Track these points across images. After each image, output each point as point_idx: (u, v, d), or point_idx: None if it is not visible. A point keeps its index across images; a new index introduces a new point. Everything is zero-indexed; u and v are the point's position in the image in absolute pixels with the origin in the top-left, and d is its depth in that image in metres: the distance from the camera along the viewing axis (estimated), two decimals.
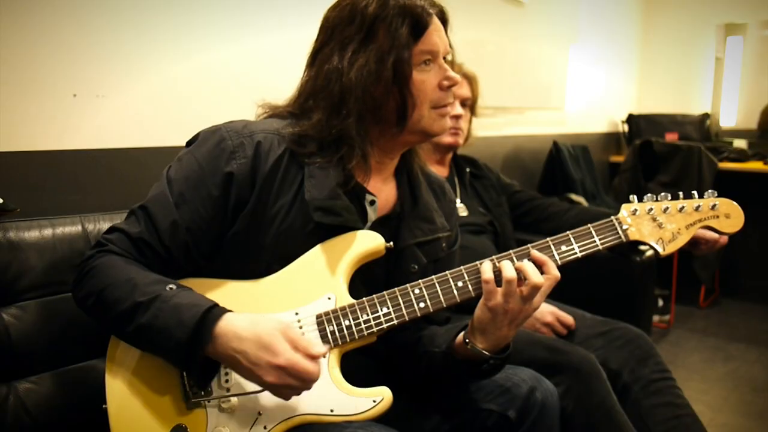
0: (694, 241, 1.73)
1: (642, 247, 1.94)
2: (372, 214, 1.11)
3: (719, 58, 4.02)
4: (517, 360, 1.29)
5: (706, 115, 3.94)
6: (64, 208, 1.38)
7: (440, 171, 1.93)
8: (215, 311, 0.93)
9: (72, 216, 1.30)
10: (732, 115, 4.05)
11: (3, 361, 1.13)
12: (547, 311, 1.67)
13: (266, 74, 1.82)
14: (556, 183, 3.07)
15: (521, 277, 1.03)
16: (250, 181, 1.03)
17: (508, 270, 1.03)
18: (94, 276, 0.98)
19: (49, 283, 1.20)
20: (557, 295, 1.71)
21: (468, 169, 2.00)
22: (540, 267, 1.04)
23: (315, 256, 1.06)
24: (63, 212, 1.31)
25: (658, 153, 3.44)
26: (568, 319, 1.67)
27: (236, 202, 1.03)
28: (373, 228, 1.11)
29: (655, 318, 3.34)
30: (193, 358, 0.92)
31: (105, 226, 1.32)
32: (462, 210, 1.90)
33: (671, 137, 3.75)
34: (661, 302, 3.41)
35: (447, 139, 1.87)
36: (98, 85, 1.49)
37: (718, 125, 4.03)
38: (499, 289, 1.02)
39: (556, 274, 1.04)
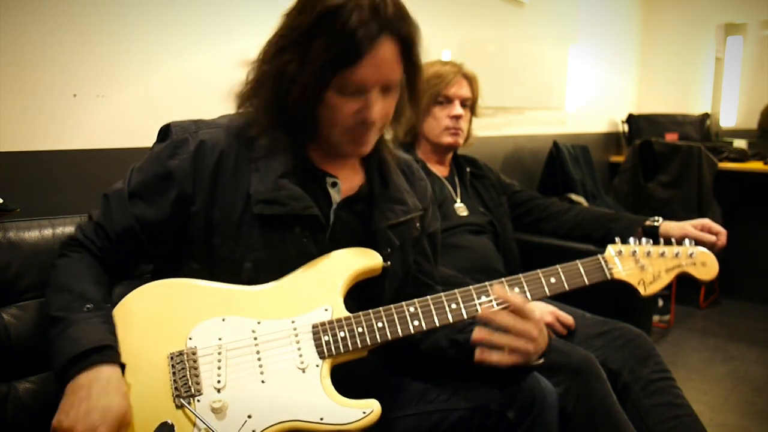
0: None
1: None
2: (336, 196, 1.12)
3: (719, 58, 4.02)
4: None
5: (706, 115, 3.94)
6: (64, 208, 1.38)
7: (440, 171, 1.93)
8: (93, 358, 0.93)
9: (72, 216, 1.30)
10: (732, 115, 4.05)
11: (3, 361, 1.13)
12: (547, 311, 1.67)
13: None
14: (556, 183, 3.07)
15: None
16: (191, 178, 1.05)
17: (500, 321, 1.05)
18: (53, 269, 1.06)
19: None
20: (557, 295, 1.71)
21: (468, 169, 2.00)
22: (518, 314, 1.06)
23: (314, 269, 1.08)
24: (63, 212, 1.31)
25: (658, 153, 3.44)
26: (568, 319, 1.67)
27: (177, 198, 1.05)
28: (338, 209, 1.11)
29: (655, 318, 3.35)
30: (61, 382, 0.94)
31: None
32: (462, 210, 1.90)
33: (671, 137, 3.75)
34: (661, 302, 3.41)
35: (447, 139, 1.87)
36: (98, 85, 1.49)
37: (718, 125, 4.03)
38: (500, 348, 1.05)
39: (534, 318, 1.07)
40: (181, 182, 1.05)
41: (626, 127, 3.94)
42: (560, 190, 3.03)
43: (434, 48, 2.42)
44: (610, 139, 4.00)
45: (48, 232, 1.23)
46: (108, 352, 0.95)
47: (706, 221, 1.74)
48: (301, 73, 0.98)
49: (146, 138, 1.59)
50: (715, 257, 1.23)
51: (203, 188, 1.05)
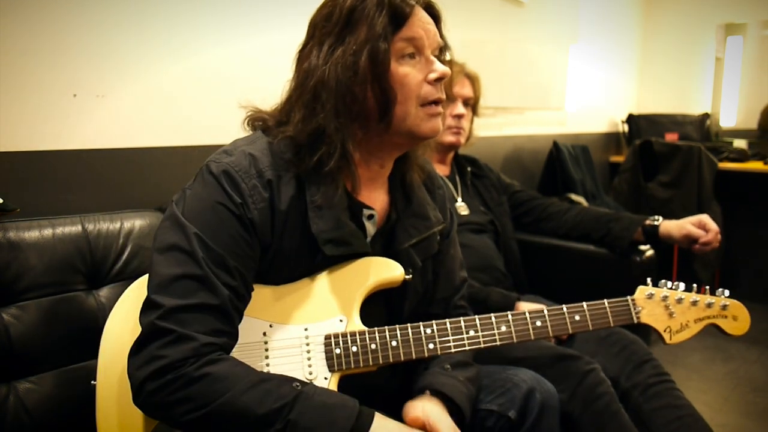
0: (689, 240, 1.76)
1: (642, 247, 1.94)
2: (371, 229, 1.09)
3: (719, 58, 4.02)
4: (522, 366, 1.29)
5: (706, 115, 3.94)
6: (64, 208, 1.38)
7: (442, 170, 1.93)
8: (366, 412, 0.92)
9: (72, 216, 1.30)
10: (732, 115, 4.04)
11: (3, 361, 1.13)
12: None
13: (267, 74, 1.82)
14: (556, 183, 3.07)
15: None
16: (270, 224, 0.99)
17: None
18: (207, 385, 0.88)
19: (49, 283, 1.21)
20: (557, 296, 1.71)
21: (469, 169, 2.01)
22: None
23: (333, 277, 1.06)
24: (63, 212, 1.31)
25: (658, 153, 3.43)
26: None
27: (260, 249, 1.00)
28: (373, 242, 1.09)
29: None
30: None
31: (105, 226, 1.32)
32: (463, 209, 1.90)
33: (671, 137, 3.75)
34: None
35: (449, 138, 1.87)
36: (98, 85, 1.49)
37: (718, 125, 4.03)
38: None
39: None
40: (262, 233, 0.98)
41: (626, 127, 3.94)
42: (560, 190, 3.03)
43: None
44: (610, 139, 4.00)
45: (48, 232, 1.24)
46: (366, 408, 0.94)
47: (703, 218, 1.76)
48: (360, 57, 0.97)
49: (146, 138, 1.60)
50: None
51: (277, 234, 1.00)
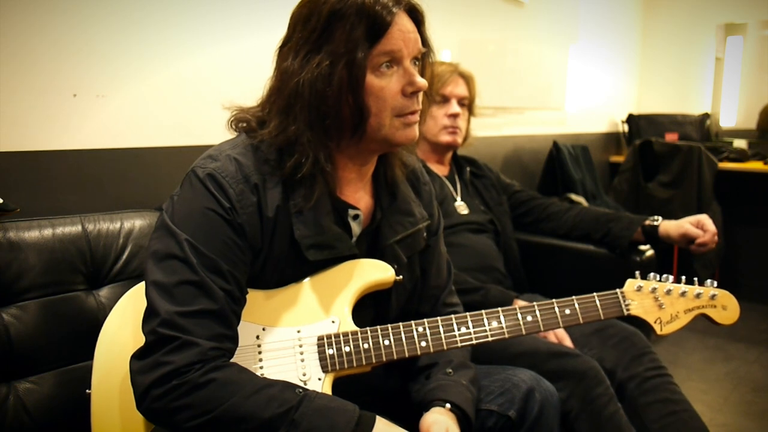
0: (686, 240, 1.76)
1: (642, 247, 1.94)
2: (356, 229, 1.09)
3: (719, 58, 4.02)
4: (521, 364, 1.29)
5: (706, 115, 3.94)
6: (64, 208, 1.38)
7: (440, 170, 1.93)
8: (366, 416, 0.93)
9: (72, 216, 1.30)
10: (732, 115, 4.04)
11: (3, 361, 1.13)
12: None
13: (268, 74, 1.82)
14: (556, 183, 3.07)
15: None
16: (260, 229, 0.99)
17: None
18: (212, 391, 0.88)
19: (49, 283, 1.21)
20: (557, 296, 1.71)
21: (468, 168, 2.01)
22: None
23: (324, 278, 1.06)
24: (63, 212, 1.31)
25: (658, 153, 3.44)
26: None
27: (251, 250, 1.00)
28: (359, 241, 1.09)
29: None
30: None
31: (105, 226, 1.32)
32: (463, 208, 1.90)
33: (671, 137, 3.75)
34: None
35: (445, 138, 1.87)
36: (98, 85, 1.49)
37: (718, 125, 4.03)
38: None
39: None
40: (252, 238, 0.98)
41: (626, 127, 3.94)
42: (560, 190, 3.03)
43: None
44: (610, 139, 4.00)
45: (48, 232, 1.24)
46: (367, 413, 0.94)
47: (702, 218, 1.77)
48: (336, 67, 0.95)
49: (146, 138, 1.60)
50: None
51: (266, 239, 1.00)
